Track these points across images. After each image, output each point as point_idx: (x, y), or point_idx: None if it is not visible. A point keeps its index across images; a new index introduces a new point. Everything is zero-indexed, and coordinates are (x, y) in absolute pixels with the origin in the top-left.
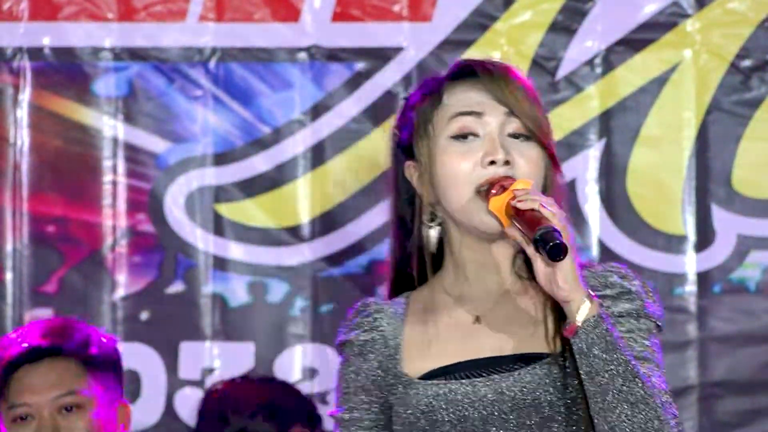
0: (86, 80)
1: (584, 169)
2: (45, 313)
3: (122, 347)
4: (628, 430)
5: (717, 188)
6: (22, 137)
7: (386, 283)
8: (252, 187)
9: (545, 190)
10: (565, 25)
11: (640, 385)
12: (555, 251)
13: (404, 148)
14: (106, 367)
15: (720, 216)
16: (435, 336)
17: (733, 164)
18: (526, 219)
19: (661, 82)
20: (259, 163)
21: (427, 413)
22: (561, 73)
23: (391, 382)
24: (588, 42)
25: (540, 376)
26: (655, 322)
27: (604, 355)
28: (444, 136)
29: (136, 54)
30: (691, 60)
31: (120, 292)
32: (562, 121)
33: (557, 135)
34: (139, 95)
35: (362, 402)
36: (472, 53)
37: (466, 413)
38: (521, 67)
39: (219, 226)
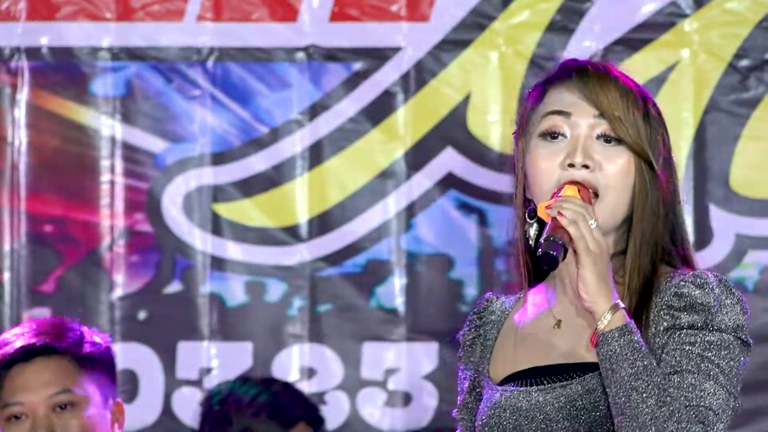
0: (84, 80)
1: None
2: (43, 312)
3: (120, 347)
4: None
5: (715, 188)
6: (20, 137)
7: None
8: (250, 186)
9: (633, 198)
10: (563, 25)
11: (658, 398)
12: (540, 260)
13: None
14: (100, 365)
15: (718, 216)
16: (520, 338)
17: (731, 164)
18: (549, 226)
19: (659, 81)
20: (257, 163)
21: (489, 419)
22: None
23: (482, 384)
24: (586, 42)
25: (593, 387)
26: (732, 334)
27: (619, 368)
28: (535, 135)
29: (134, 54)
30: (689, 60)
31: (118, 292)
32: None
33: None
34: (137, 95)
35: (470, 402)
36: (470, 53)
37: (519, 421)
38: (518, 68)
39: (217, 226)
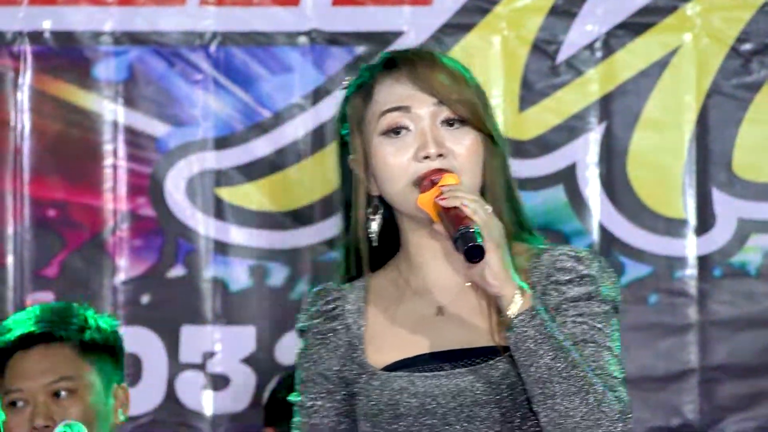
0: (87, 64)
1: (585, 152)
2: (46, 296)
3: (123, 331)
4: (568, 421)
5: (717, 172)
6: (22, 121)
7: (339, 268)
8: (252, 170)
9: (484, 174)
10: (566, 9)
11: (577, 374)
12: (470, 253)
13: (346, 141)
14: (103, 351)
15: (720, 199)
16: (398, 326)
17: (733, 148)
18: (450, 217)
19: (661, 65)
20: (260, 147)
21: (390, 405)
22: (561, 56)
23: (355, 372)
24: (588, 26)
25: (502, 371)
26: (612, 304)
27: (538, 348)
28: (376, 134)
29: (136, 38)
30: (691, 44)
31: (121, 276)
32: (563, 104)
33: (557, 119)
34: (140, 79)
35: (325, 390)
36: (472, 37)
37: (429, 407)
38: (521, 52)
39: (219, 210)
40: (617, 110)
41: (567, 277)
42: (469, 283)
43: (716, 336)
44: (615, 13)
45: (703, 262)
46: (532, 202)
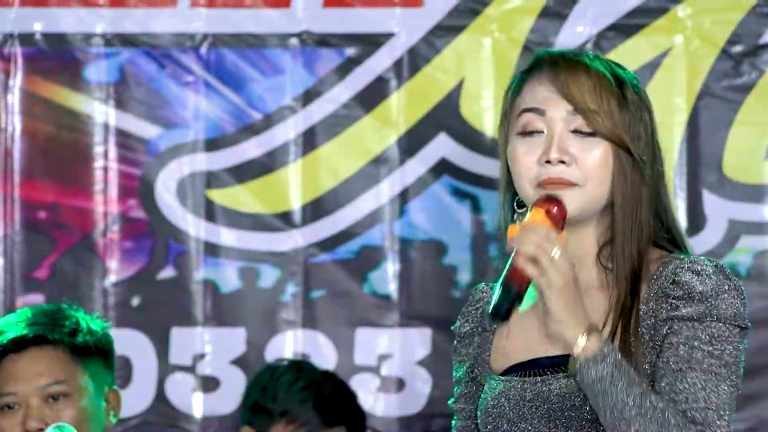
0: (77, 66)
1: None
2: (36, 299)
3: (113, 333)
4: None
5: (708, 173)
6: (13, 123)
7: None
8: (243, 173)
9: (612, 190)
10: (556, 11)
11: (644, 420)
12: (491, 314)
13: None
14: (96, 354)
15: (711, 201)
16: (523, 329)
17: (724, 149)
18: (509, 266)
19: (652, 67)
20: (251, 149)
21: (491, 410)
22: None
23: (481, 375)
24: (579, 27)
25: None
26: (731, 323)
27: (604, 396)
28: (513, 132)
29: (127, 40)
30: (682, 45)
31: (111, 278)
32: None
33: None
34: (131, 81)
35: (466, 393)
36: (463, 39)
37: (523, 411)
38: (512, 54)
39: (210, 212)
40: None
41: (680, 293)
42: (589, 288)
43: None
44: (606, 15)
45: None
46: None
